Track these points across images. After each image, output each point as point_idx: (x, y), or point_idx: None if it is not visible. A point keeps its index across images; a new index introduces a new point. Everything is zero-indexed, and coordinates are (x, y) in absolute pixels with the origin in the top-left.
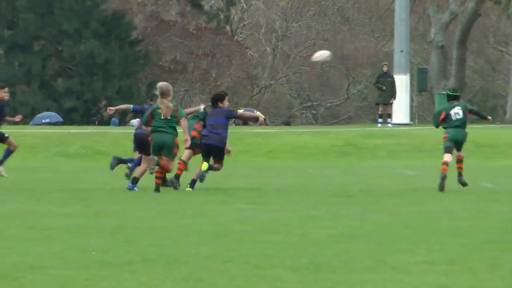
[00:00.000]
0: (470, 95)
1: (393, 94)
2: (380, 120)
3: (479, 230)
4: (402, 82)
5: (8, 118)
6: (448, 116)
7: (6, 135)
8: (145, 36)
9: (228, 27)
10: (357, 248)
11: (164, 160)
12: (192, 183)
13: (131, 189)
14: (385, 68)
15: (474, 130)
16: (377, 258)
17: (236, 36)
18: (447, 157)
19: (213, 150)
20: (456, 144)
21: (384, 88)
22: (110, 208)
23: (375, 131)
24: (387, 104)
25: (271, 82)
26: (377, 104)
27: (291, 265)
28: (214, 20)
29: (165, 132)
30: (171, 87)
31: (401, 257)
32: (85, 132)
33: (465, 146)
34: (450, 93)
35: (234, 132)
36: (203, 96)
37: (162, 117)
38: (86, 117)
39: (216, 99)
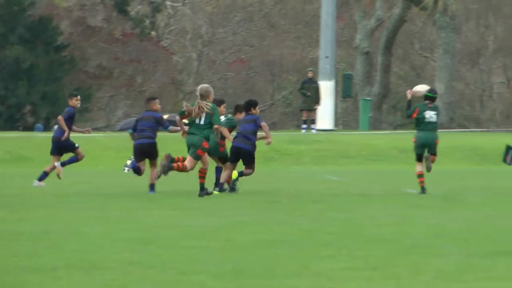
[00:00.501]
0: (395, 101)
1: (317, 100)
2: (304, 126)
3: (403, 236)
4: (327, 88)
5: (75, 129)
6: (422, 117)
7: (77, 145)
8: (71, 41)
9: (154, 33)
10: (281, 254)
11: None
12: (220, 186)
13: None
14: (310, 74)
15: (398, 136)
16: (301, 264)
17: (162, 42)
18: (419, 167)
19: (242, 153)
20: (426, 147)
21: (308, 94)
22: (34, 213)
23: (299, 136)
24: (312, 110)
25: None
26: (302, 110)
27: (215, 271)
28: (140, 26)
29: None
30: (211, 89)
31: (324, 263)
32: (9, 137)
33: (389, 152)
34: (429, 94)
35: (162, 137)
36: (128, 102)
37: (194, 119)
38: (10, 122)
39: (250, 105)
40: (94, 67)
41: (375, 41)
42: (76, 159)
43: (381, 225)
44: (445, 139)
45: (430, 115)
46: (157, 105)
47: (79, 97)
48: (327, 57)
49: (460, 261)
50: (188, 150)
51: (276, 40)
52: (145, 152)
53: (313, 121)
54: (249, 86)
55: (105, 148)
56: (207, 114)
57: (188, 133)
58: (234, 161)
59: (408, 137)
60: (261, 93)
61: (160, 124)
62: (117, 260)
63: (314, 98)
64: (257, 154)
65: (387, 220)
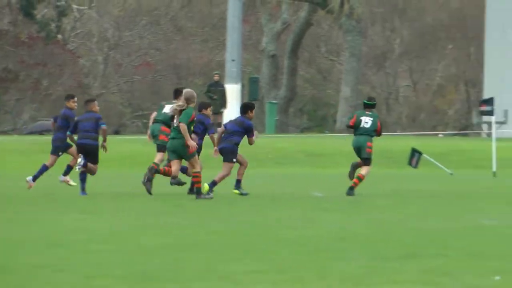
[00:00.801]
0: (301, 104)
1: (224, 104)
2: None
3: (309, 239)
4: (233, 91)
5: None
6: (358, 123)
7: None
8: None
9: (60, 36)
10: (187, 257)
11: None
12: (238, 184)
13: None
14: (216, 77)
15: (304, 139)
16: (207, 267)
17: (68, 45)
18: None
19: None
20: (358, 152)
21: (215, 97)
22: None
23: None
24: (218, 113)
25: (103, 91)
26: None
27: (121, 274)
28: (46, 29)
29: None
30: (195, 94)
31: (230, 266)
32: None
33: (296, 155)
34: (366, 102)
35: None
36: (34, 105)
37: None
38: None
39: (247, 108)
40: (0, 70)
41: (282, 44)
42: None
43: (288, 228)
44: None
45: (365, 120)
46: (96, 106)
47: (75, 98)
48: (233, 60)
49: (366, 264)
50: (170, 155)
51: (183, 43)
52: (88, 152)
53: (219, 125)
54: (156, 89)
55: (11, 151)
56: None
57: (170, 138)
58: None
59: (314, 141)
60: (167, 97)
61: (99, 125)
62: (24, 263)
63: (220, 102)
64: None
65: (294, 223)
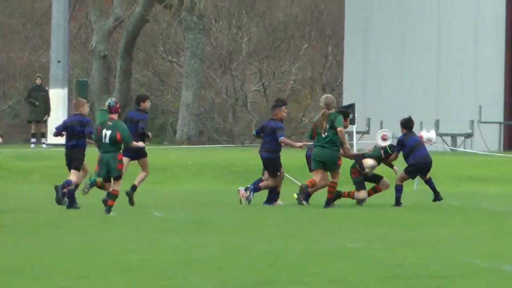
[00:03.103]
0: None
1: (47, 111)
2: (33, 140)
3: (149, 264)
4: (58, 96)
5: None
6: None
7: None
8: None
9: None
10: (8, 285)
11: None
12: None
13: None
14: (38, 81)
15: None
16: None
17: None
18: (316, 177)
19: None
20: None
21: (36, 103)
22: None
23: (28, 152)
24: (41, 121)
25: None
26: (29, 121)
27: None
28: None
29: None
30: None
31: None
32: None
33: (131, 169)
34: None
35: None
36: None
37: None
38: None
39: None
40: None
41: (114, 43)
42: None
43: (126, 252)
44: (194, 155)
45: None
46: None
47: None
48: (59, 61)
49: None
50: (315, 163)
51: (3, 42)
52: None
53: (43, 135)
54: None
55: None
56: None
57: (318, 145)
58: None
59: (152, 153)
60: None
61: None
62: None
63: (43, 108)
64: None
65: (132, 246)
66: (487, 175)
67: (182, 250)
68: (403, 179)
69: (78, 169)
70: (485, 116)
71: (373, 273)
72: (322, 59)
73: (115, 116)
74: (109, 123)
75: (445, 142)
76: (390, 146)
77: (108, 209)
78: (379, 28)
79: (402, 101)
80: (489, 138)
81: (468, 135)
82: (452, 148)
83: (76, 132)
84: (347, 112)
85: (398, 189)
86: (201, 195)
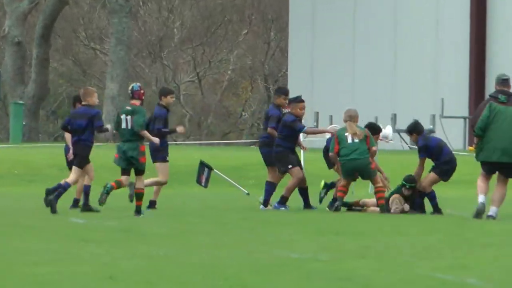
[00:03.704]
0: (55, 105)
1: None
2: None
3: (66, 278)
4: None
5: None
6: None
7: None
8: None
9: None
10: None
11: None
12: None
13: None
14: None
15: (59, 150)
16: None
17: None
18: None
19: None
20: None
21: None
22: None
23: None
24: None
25: None
26: None
27: None
28: None
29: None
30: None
31: None
32: None
33: (48, 171)
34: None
35: None
36: None
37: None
38: None
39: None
40: None
41: (30, 28)
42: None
43: (38, 264)
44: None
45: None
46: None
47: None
48: None
49: None
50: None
51: None
52: None
53: None
54: None
55: None
56: None
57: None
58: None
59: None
60: None
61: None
62: None
63: None
64: None
65: (47, 257)
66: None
67: (104, 262)
68: (433, 183)
69: (80, 166)
70: (448, 110)
71: (319, 287)
72: (264, 46)
73: (137, 102)
74: (129, 108)
75: (403, 139)
76: (406, 180)
77: (138, 211)
78: (328, 11)
79: (355, 93)
80: (452, 134)
81: (429, 132)
82: (411, 146)
83: (79, 126)
84: (377, 127)
85: (433, 196)
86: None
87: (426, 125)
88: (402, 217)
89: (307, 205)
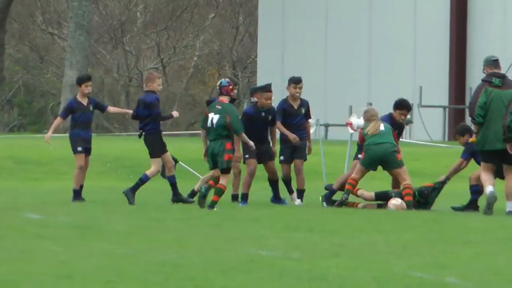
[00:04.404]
0: (10, 94)
1: None
2: None
3: (21, 277)
4: None
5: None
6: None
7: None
8: None
9: None
10: None
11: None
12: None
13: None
14: None
15: (14, 141)
16: None
17: None
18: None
19: None
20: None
21: None
22: None
23: None
24: None
25: None
26: None
27: None
28: None
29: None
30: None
31: None
32: None
33: (3, 163)
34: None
35: None
36: None
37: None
38: None
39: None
40: None
41: None
42: None
43: None
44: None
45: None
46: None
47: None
48: None
49: None
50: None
51: None
52: None
53: None
54: None
55: None
56: None
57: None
58: None
59: (28, 144)
60: None
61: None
62: None
63: None
64: None
65: (1, 256)
66: (430, 169)
67: (61, 260)
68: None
69: (156, 156)
70: (426, 99)
71: (291, 287)
72: (232, 31)
73: (225, 99)
74: (218, 106)
75: None
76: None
77: (212, 205)
78: None
79: (328, 81)
80: (431, 125)
81: (407, 122)
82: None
83: (140, 114)
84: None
85: (475, 190)
86: (86, 194)
87: None
88: (379, 213)
89: (276, 198)
